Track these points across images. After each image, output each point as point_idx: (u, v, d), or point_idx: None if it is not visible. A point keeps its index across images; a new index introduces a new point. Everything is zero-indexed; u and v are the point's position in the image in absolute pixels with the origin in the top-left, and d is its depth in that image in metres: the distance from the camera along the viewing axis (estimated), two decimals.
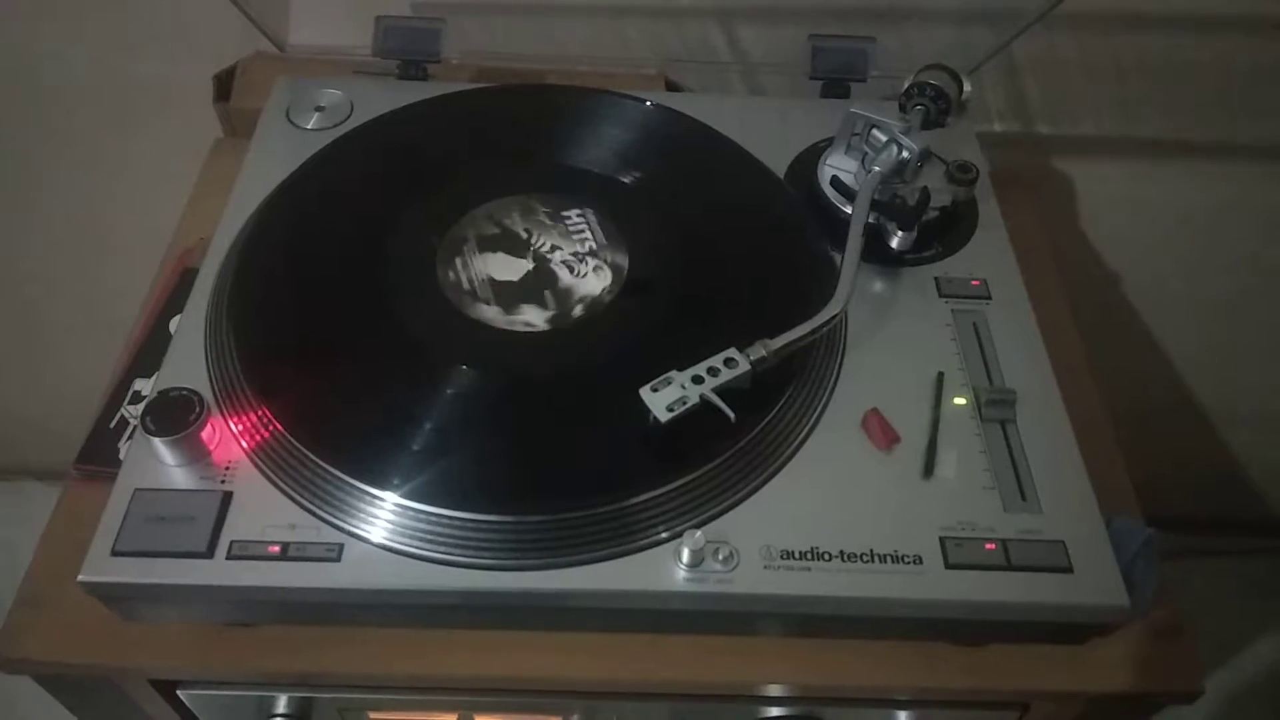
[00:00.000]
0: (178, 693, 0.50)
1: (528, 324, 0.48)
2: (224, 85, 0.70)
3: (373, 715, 0.53)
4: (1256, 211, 0.84)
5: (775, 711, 0.51)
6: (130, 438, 0.53)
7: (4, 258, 0.94)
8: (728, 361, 0.43)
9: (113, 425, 0.54)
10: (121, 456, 0.52)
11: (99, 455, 0.52)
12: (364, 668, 0.47)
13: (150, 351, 0.56)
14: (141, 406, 0.44)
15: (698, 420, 0.42)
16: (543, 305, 0.49)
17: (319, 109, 0.59)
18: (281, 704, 0.51)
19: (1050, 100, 0.76)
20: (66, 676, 0.48)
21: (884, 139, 0.53)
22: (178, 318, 0.56)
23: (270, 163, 0.56)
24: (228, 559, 0.41)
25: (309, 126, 0.59)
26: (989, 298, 0.52)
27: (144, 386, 0.55)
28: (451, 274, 0.50)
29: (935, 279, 0.53)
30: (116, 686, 0.49)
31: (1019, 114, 0.77)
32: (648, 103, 0.59)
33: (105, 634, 0.46)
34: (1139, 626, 0.49)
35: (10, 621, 0.47)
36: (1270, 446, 1.13)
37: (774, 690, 0.48)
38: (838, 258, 0.49)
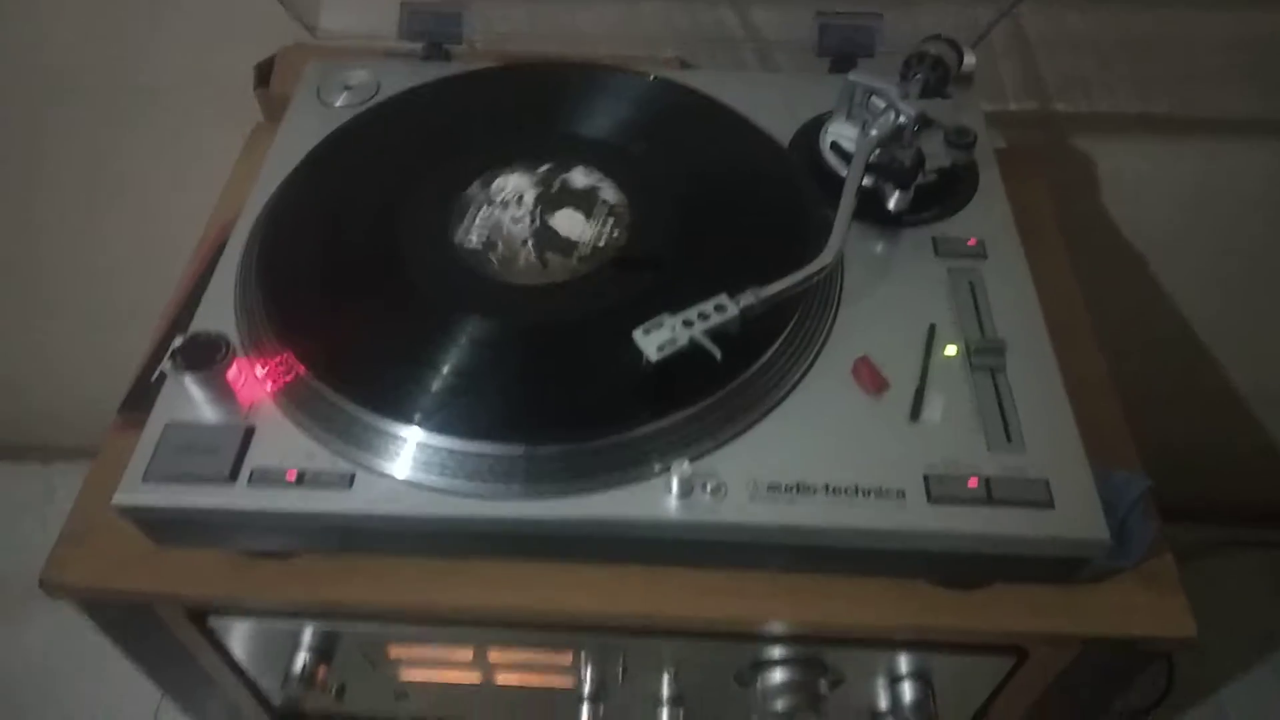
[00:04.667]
0: (208, 621, 0.53)
1: (534, 275, 0.51)
2: (264, 73, 0.75)
3: (392, 651, 0.56)
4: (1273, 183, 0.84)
5: (777, 652, 0.53)
6: None
7: (66, 244, 1.00)
8: (718, 307, 0.45)
9: (154, 379, 0.57)
10: None
11: (141, 404, 0.56)
12: (379, 597, 0.49)
13: (189, 312, 0.60)
14: (171, 348, 0.47)
15: (694, 362, 0.45)
16: (549, 258, 0.51)
17: (348, 88, 0.63)
18: (307, 638, 0.54)
19: (1066, 79, 0.77)
20: (107, 603, 0.51)
21: (882, 105, 0.55)
22: None
23: (300, 138, 0.60)
24: (249, 485, 0.44)
25: (337, 104, 0.62)
26: (985, 256, 0.54)
27: None
28: (463, 231, 0.52)
29: (933, 239, 0.55)
30: (153, 615, 0.52)
31: (1034, 93, 0.78)
32: (651, 77, 0.61)
33: (142, 564, 0.50)
34: (1133, 575, 0.50)
35: (55, 554, 0.51)
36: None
37: (770, 628, 0.50)
38: (831, 214, 0.51)
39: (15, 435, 1.31)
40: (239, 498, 0.44)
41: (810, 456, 0.45)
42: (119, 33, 0.78)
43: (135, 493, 0.44)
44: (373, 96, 0.62)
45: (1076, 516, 0.43)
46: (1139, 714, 1.09)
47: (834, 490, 0.44)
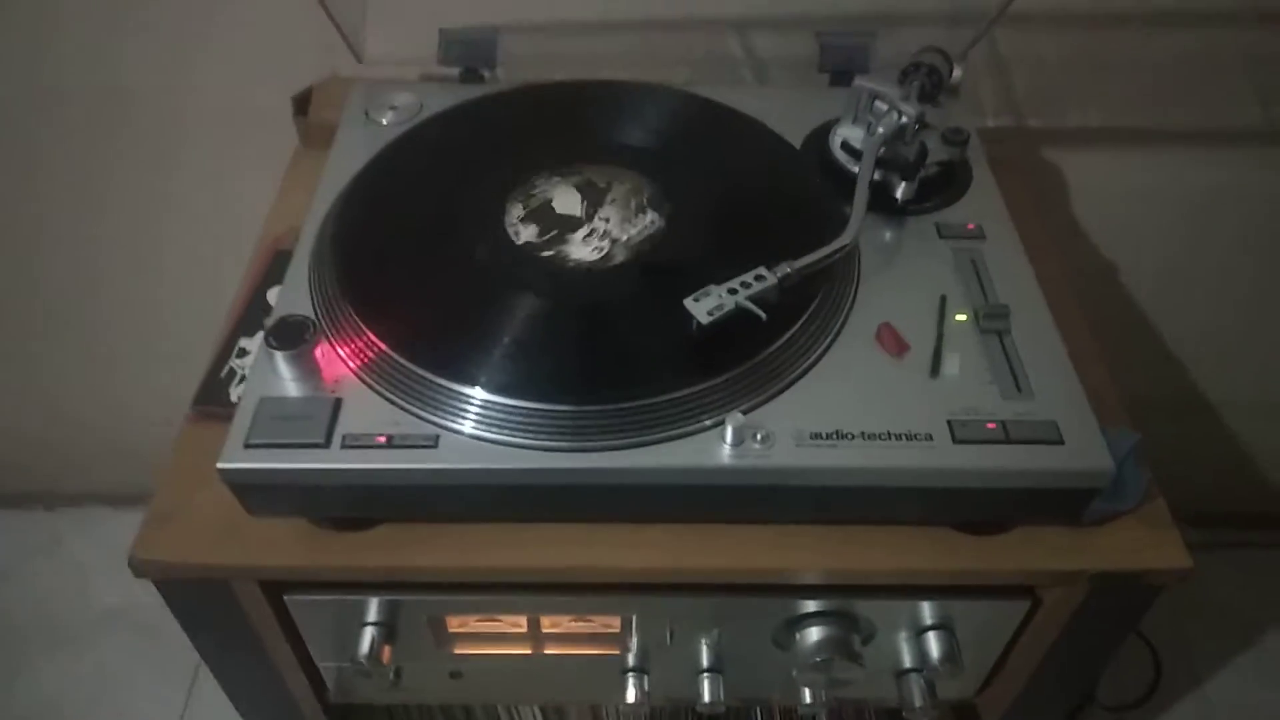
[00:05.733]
0: (284, 598, 0.56)
1: (585, 259, 0.56)
2: (302, 103, 0.80)
3: (451, 622, 0.59)
4: (1245, 196, 0.92)
5: (811, 605, 0.58)
6: (240, 383, 0.61)
7: (73, 272, 1.03)
8: (758, 277, 0.51)
9: (222, 375, 0.62)
10: (233, 399, 0.60)
11: (212, 399, 0.60)
12: (447, 561, 0.53)
13: (251, 316, 0.65)
14: (264, 329, 0.52)
15: (737, 328, 0.50)
16: (598, 245, 0.57)
17: (393, 108, 0.69)
18: (373, 613, 0.58)
19: (1039, 96, 0.85)
20: (187, 580, 0.55)
21: (885, 107, 0.61)
22: (275, 288, 0.65)
23: (353, 151, 0.65)
24: (342, 448, 0.48)
25: (385, 122, 0.68)
26: (984, 238, 0.60)
27: (247, 344, 0.63)
28: (516, 222, 0.58)
29: (936, 225, 0.61)
30: (230, 595, 0.56)
31: (1010, 109, 0.86)
32: (677, 90, 0.68)
33: (224, 542, 0.54)
34: (1131, 519, 0.56)
35: (142, 535, 0.55)
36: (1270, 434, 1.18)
37: (808, 577, 0.55)
38: (847, 209, 0.57)
39: (21, 482, 1.33)
40: (334, 460, 0.48)
41: (845, 409, 0.50)
42: (165, 65, 0.83)
43: (237, 458, 0.48)
44: (417, 114, 0.68)
45: (1083, 450, 0.49)
46: (1128, 709, 1.13)
47: (869, 436, 0.49)
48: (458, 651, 0.62)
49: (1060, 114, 0.86)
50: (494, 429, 0.49)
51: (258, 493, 0.50)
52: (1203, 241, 0.97)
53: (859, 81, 0.62)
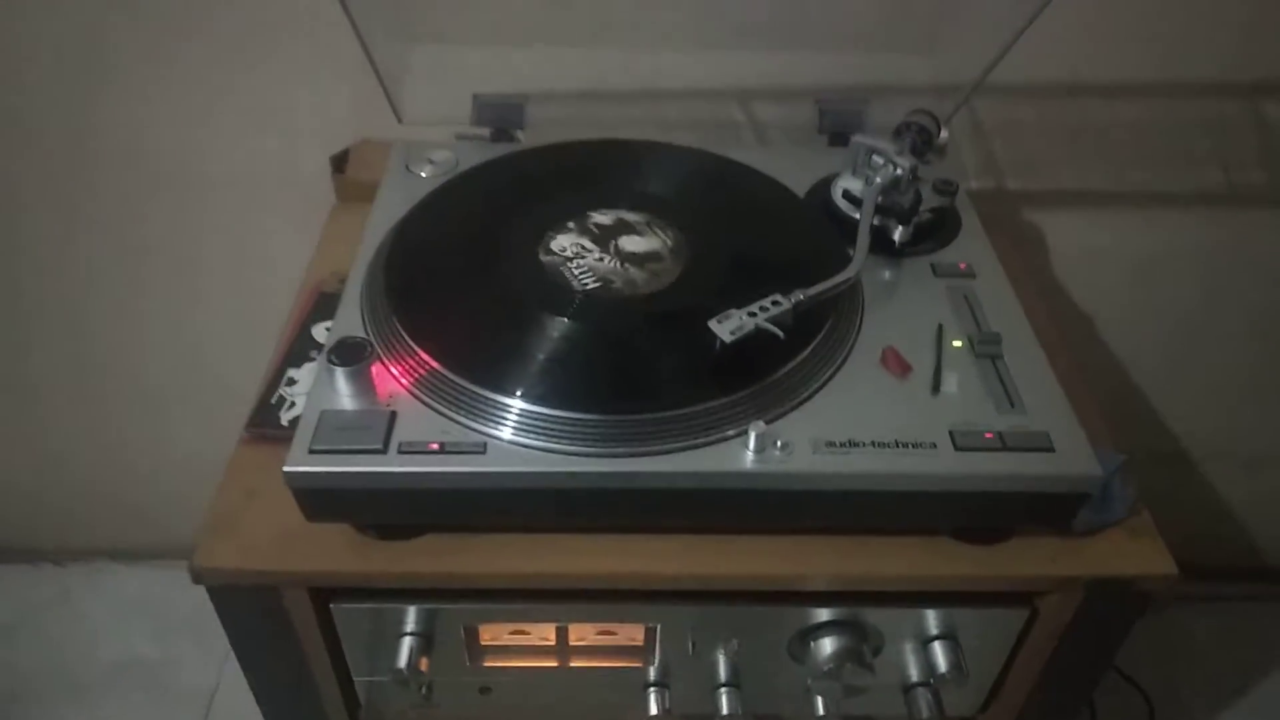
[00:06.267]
0: (330, 606, 0.60)
1: (616, 289, 0.61)
2: (339, 162, 0.87)
3: (484, 634, 0.63)
4: (1202, 251, 0.99)
5: (824, 614, 0.61)
6: (289, 408, 0.65)
7: (72, 334, 1.09)
8: (774, 302, 0.56)
9: (273, 401, 0.66)
10: (283, 423, 0.64)
11: (264, 422, 0.65)
12: (484, 568, 0.57)
13: (298, 349, 0.70)
14: (325, 350, 0.56)
15: (756, 350, 0.55)
16: (625, 278, 0.62)
17: (431, 162, 0.75)
18: (411, 623, 0.62)
19: (1016, 159, 0.92)
20: (241, 587, 0.58)
21: (882, 161, 0.68)
22: (321, 324, 0.71)
23: (396, 199, 0.71)
24: (399, 454, 0.53)
25: (424, 175, 0.74)
26: (974, 276, 0.66)
27: (295, 374, 0.68)
28: (551, 258, 0.63)
29: (931, 264, 0.67)
30: (278, 601, 0.59)
31: (991, 172, 0.93)
32: (690, 147, 0.75)
33: (276, 551, 0.58)
34: (1120, 530, 0.60)
35: (201, 545, 0.58)
36: (1230, 482, 1.23)
37: (820, 584, 0.59)
38: (850, 249, 0.63)
39: (31, 538, 1.35)
40: (392, 464, 0.52)
41: (856, 421, 0.55)
42: (202, 128, 0.90)
43: (302, 462, 0.52)
44: (454, 168, 0.74)
45: (1072, 458, 0.54)
46: None
47: (879, 444, 0.54)
48: (488, 664, 0.65)
49: (1036, 177, 0.94)
50: (539, 436, 0.53)
51: (318, 497, 0.54)
52: (1174, 297, 1.04)
53: (858, 138, 0.69)
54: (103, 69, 0.86)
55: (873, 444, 0.54)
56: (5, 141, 0.91)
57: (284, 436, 0.63)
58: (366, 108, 0.87)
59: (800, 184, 0.74)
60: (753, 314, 0.56)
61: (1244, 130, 0.90)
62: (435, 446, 0.53)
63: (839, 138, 0.79)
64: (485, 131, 0.78)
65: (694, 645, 0.63)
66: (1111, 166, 0.93)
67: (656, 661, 0.65)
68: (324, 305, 0.73)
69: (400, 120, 0.77)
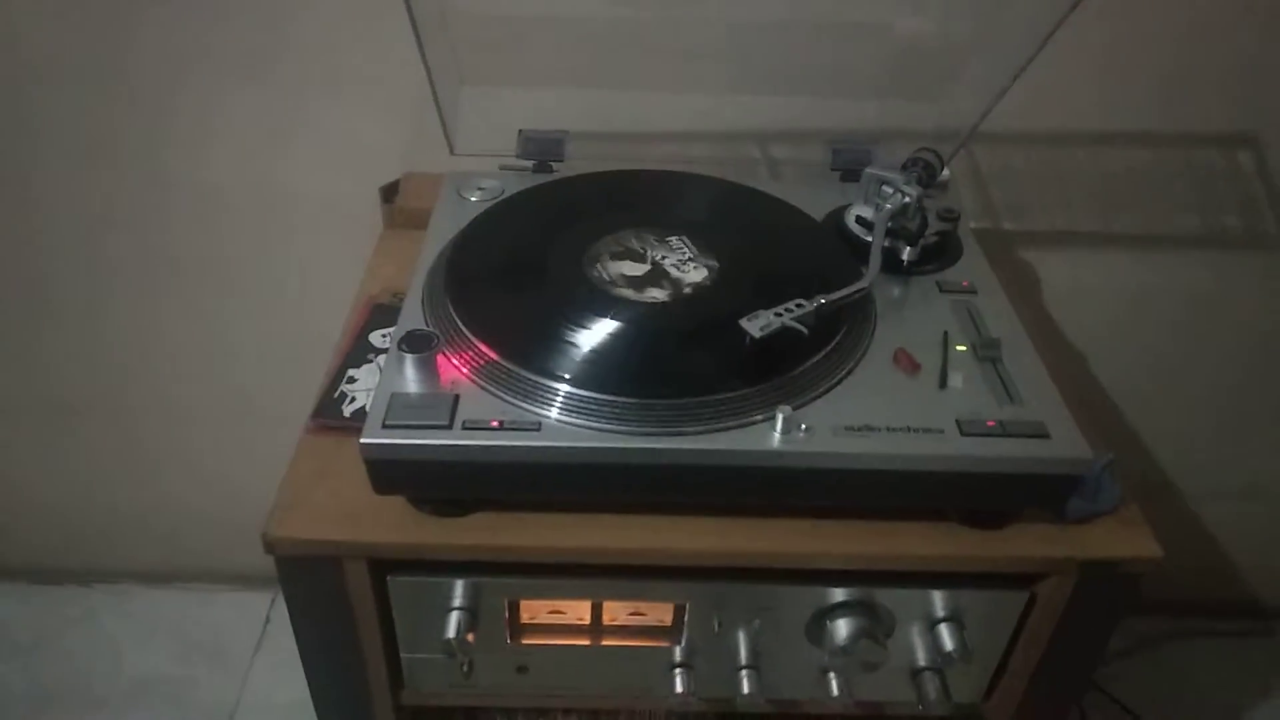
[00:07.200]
0: (387, 578, 0.65)
1: (654, 298, 0.68)
2: (389, 192, 0.95)
3: (524, 610, 0.68)
4: (1186, 290, 1.07)
5: (840, 594, 0.67)
6: (350, 403, 0.71)
7: (96, 358, 1.15)
8: (798, 304, 0.63)
9: (335, 396, 0.72)
10: (346, 415, 0.70)
11: (328, 414, 0.71)
12: (528, 542, 0.63)
13: (357, 352, 0.76)
14: (394, 341, 0.63)
15: (781, 348, 0.62)
16: (662, 288, 0.69)
17: (480, 189, 0.82)
18: (459, 597, 0.67)
19: (1010, 201, 1.00)
20: (307, 556, 0.64)
21: (891, 190, 0.75)
22: (378, 331, 0.77)
23: (448, 220, 0.78)
24: (463, 429, 0.59)
25: (473, 199, 0.81)
26: (976, 293, 0.73)
27: (355, 374, 0.74)
28: (593, 274, 0.70)
29: (936, 282, 0.74)
30: (339, 572, 0.64)
31: (988, 213, 1.01)
32: (716, 177, 0.82)
33: (340, 525, 0.63)
34: (1110, 520, 0.66)
35: (274, 516, 0.64)
36: (1220, 517, 1.29)
37: (837, 562, 0.64)
38: (863, 267, 0.70)
39: (60, 559, 1.39)
40: (457, 438, 0.58)
41: (872, 409, 0.61)
42: (260, 154, 0.98)
43: (376, 435, 0.58)
44: (500, 195, 0.81)
45: (1065, 443, 0.60)
46: None
47: (893, 429, 0.60)
48: (526, 642, 0.70)
49: (1030, 218, 1.02)
50: (591, 418, 0.59)
51: (388, 468, 0.60)
52: (1163, 334, 1.11)
53: (870, 170, 0.77)
54: (175, 105, 0.95)
55: (887, 429, 0.60)
56: (90, 169, 0.99)
57: (346, 426, 0.69)
58: (412, 146, 0.96)
59: (816, 213, 0.81)
60: (779, 314, 0.62)
61: (1221, 178, 0.98)
62: (496, 423, 0.59)
63: (850, 174, 0.87)
64: (528, 164, 0.86)
65: (719, 624, 0.68)
66: (1100, 210, 1.01)
67: (683, 642, 0.70)
68: (379, 315, 0.80)
69: (453, 151, 0.84)
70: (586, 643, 0.70)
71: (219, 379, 1.17)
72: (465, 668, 0.71)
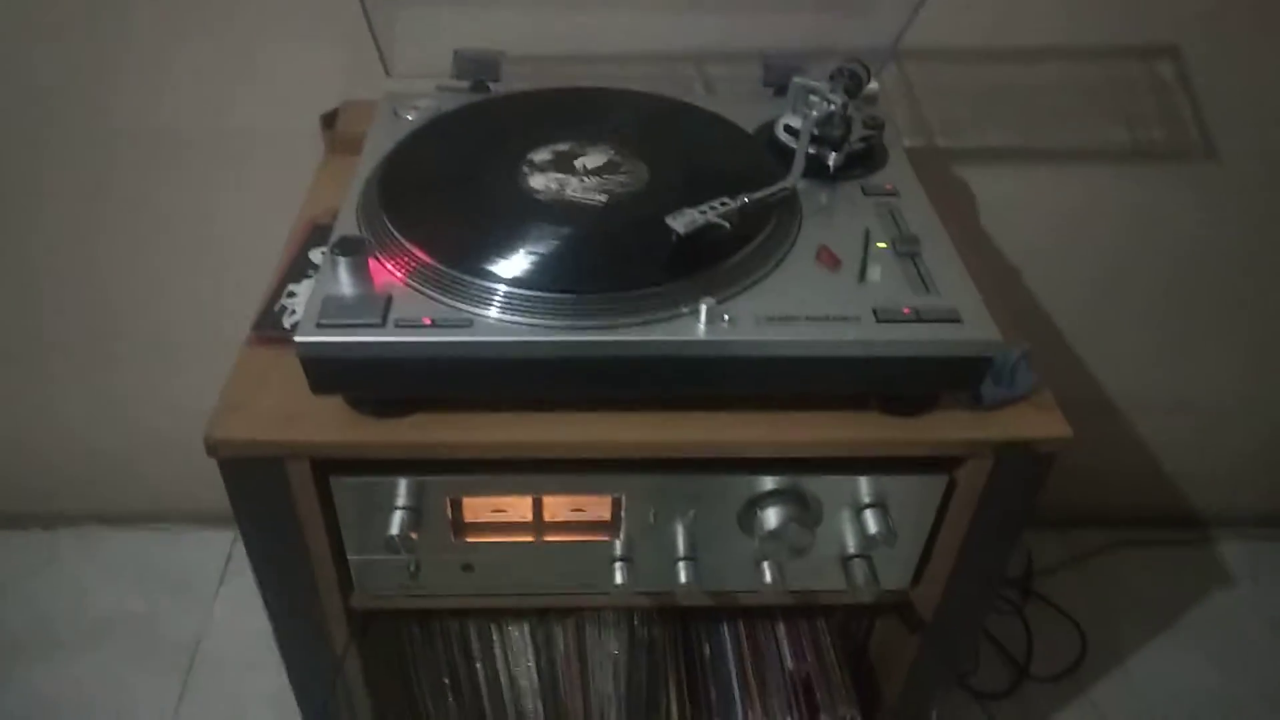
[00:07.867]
0: (330, 479, 0.67)
1: (583, 200, 0.70)
2: (329, 119, 0.95)
3: (466, 508, 0.70)
4: (1118, 207, 1.10)
5: (769, 483, 0.70)
6: (290, 315, 0.73)
7: (78, 294, 1.15)
8: (722, 202, 0.65)
9: (275, 309, 0.74)
10: (286, 327, 0.72)
11: (269, 326, 0.72)
12: (467, 438, 0.65)
13: (296, 268, 0.77)
14: (328, 245, 0.64)
15: (710, 245, 0.64)
16: (592, 191, 0.71)
17: (416, 108, 0.83)
18: (402, 496, 0.69)
19: (943, 119, 1.03)
20: (249, 459, 0.65)
21: (817, 99, 0.77)
22: (317, 249, 0.78)
23: (385, 137, 0.79)
24: (395, 327, 0.60)
25: (410, 118, 0.82)
26: (898, 195, 0.76)
27: (295, 289, 0.75)
28: (522, 179, 0.72)
29: (861, 186, 0.76)
30: (281, 474, 0.66)
31: (921, 131, 1.03)
32: (650, 92, 0.84)
33: (281, 426, 0.65)
34: (1024, 405, 0.69)
35: (216, 419, 0.65)
36: (1152, 429, 1.34)
37: (765, 451, 0.67)
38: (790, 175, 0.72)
39: (20, 502, 1.39)
40: (389, 335, 0.60)
41: (794, 301, 0.64)
42: (205, 93, 0.98)
43: (311, 334, 0.60)
44: (436, 113, 0.82)
45: (977, 327, 0.63)
46: (1058, 678, 1.25)
47: (813, 318, 0.63)
48: (470, 539, 0.72)
49: (962, 135, 1.04)
50: (518, 314, 0.61)
51: (324, 367, 0.61)
52: (1096, 248, 1.14)
53: (797, 80, 0.78)
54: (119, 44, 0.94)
55: (806, 318, 0.63)
56: (21, 111, 0.98)
57: (286, 338, 0.71)
58: (351, 74, 0.96)
59: (749, 126, 0.83)
60: (703, 211, 0.64)
61: (1146, 91, 1.01)
62: (428, 321, 0.61)
63: (782, 90, 0.88)
64: (464, 83, 0.87)
65: (655, 516, 0.71)
66: (1029, 125, 1.03)
67: (622, 536, 0.73)
68: (318, 234, 0.81)
69: (388, 74, 0.85)
70: (530, 539, 0.73)
71: (175, 311, 1.17)
72: (412, 568, 0.74)
